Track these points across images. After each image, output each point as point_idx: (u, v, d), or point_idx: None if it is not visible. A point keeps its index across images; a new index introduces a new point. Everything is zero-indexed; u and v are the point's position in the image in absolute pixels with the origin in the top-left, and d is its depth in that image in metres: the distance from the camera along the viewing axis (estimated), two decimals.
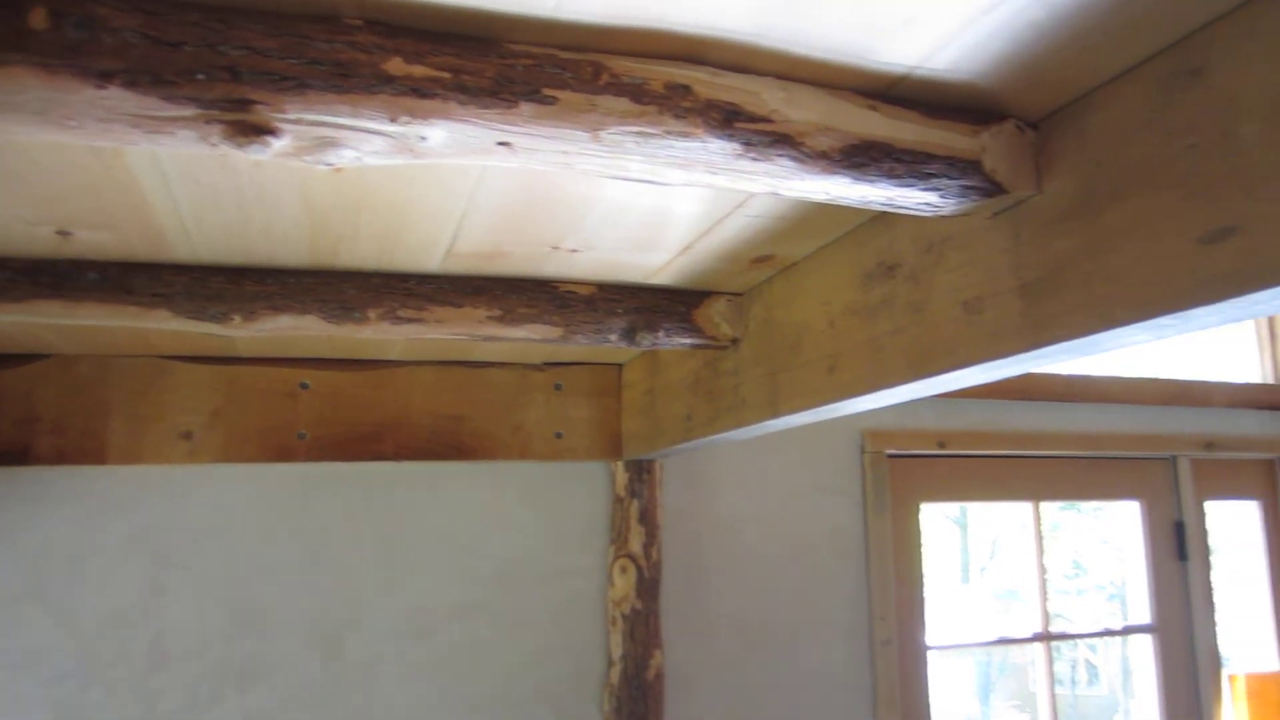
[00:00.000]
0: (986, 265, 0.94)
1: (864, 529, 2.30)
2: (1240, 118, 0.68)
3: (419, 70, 0.70)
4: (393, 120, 0.71)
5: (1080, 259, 0.82)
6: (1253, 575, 2.87)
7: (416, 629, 1.91)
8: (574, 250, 1.29)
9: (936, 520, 8.23)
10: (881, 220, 1.13)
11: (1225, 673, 2.75)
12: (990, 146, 0.85)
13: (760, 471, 2.24)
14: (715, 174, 0.80)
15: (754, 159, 0.79)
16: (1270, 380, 3.00)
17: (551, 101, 0.73)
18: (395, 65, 0.69)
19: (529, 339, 1.42)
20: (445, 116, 0.72)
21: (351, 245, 1.25)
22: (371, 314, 1.35)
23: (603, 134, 0.75)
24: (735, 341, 1.51)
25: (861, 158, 0.81)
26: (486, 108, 0.72)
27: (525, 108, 0.73)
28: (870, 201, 0.86)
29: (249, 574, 1.85)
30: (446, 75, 0.71)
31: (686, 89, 0.76)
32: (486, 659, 1.95)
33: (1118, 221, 0.78)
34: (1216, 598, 2.75)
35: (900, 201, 0.86)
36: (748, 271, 1.39)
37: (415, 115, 0.71)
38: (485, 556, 1.99)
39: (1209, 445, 2.74)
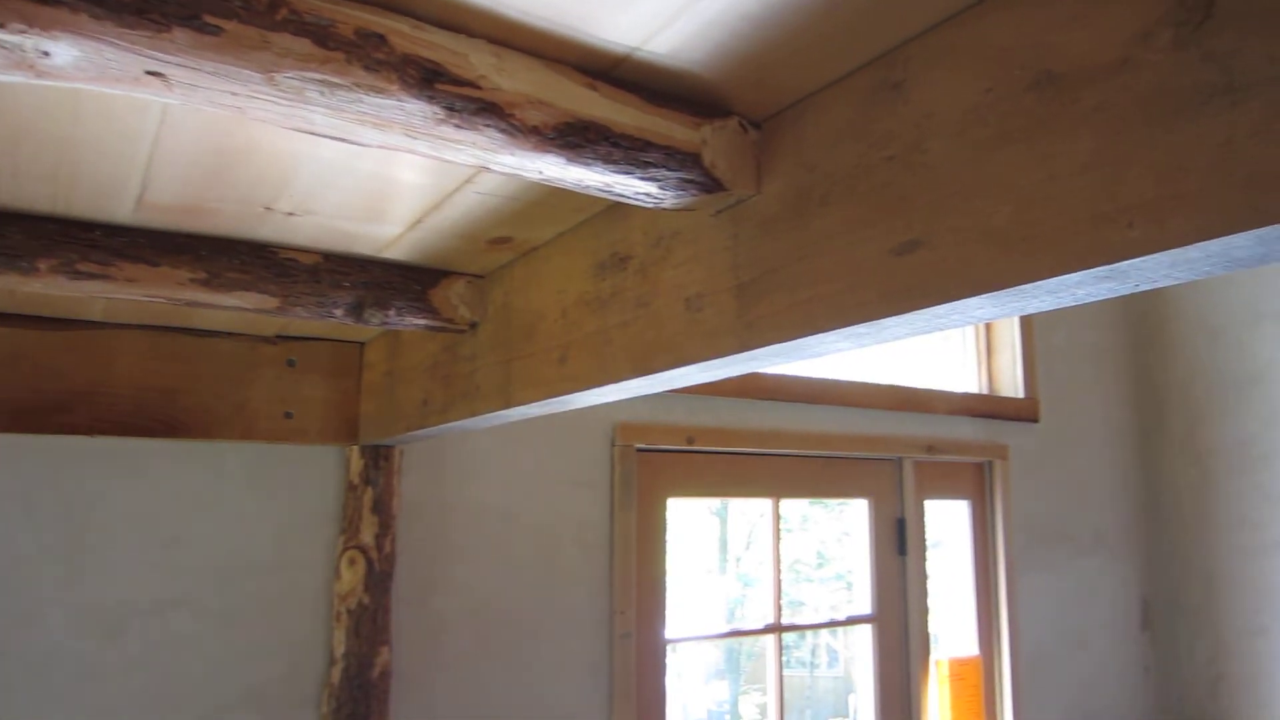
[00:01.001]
0: (708, 263, 0.93)
1: (610, 523, 2.30)
2: (931, 133, 0.69)
3: None
4: (1, 26, 0.58)
5: (789, 262, 0.82)
6: (959, 569, 3.15)
7: (104, 626, 1.70)
8: (290, 213, 1.17)
9: (699, 512, 8.54)
10: (618, 210, 1.10)
11: (933, 657, 3.00)
12: (711, 141, 0.83)
13: (509, 462, 2.18)
14: (415, 138, 0.73)
15: (458, 126, 0.72)
16: (985, 391, 3.30)
17: (215, 31, 0.63)
18: None
19: (240, 307, 1.28)
20: (74, 31, 0.60)
21: (14, 183, 1.06)
22: (42, 265, 1.16)
23: (279, 78, 0.66)
24: (474, 326, 1.44)
25: (577, 138, 0.76)
26: (129, 27, 0.61)
27: (181, 34, 0.62)
28: (587, 186, 0.82)
29: None
30: None
31: (382, 39, 0.68)
32: (187, 658, 1.76)
33: (823, 228, 0.78)
34: (929, 589, 2.99)
35: (618, 189, 0.82)
36: (487, 253, 1.32)
37: (32, 24, 0.59)
38: (194, 546, 1.80)
39: (930, 449, 2.97)
